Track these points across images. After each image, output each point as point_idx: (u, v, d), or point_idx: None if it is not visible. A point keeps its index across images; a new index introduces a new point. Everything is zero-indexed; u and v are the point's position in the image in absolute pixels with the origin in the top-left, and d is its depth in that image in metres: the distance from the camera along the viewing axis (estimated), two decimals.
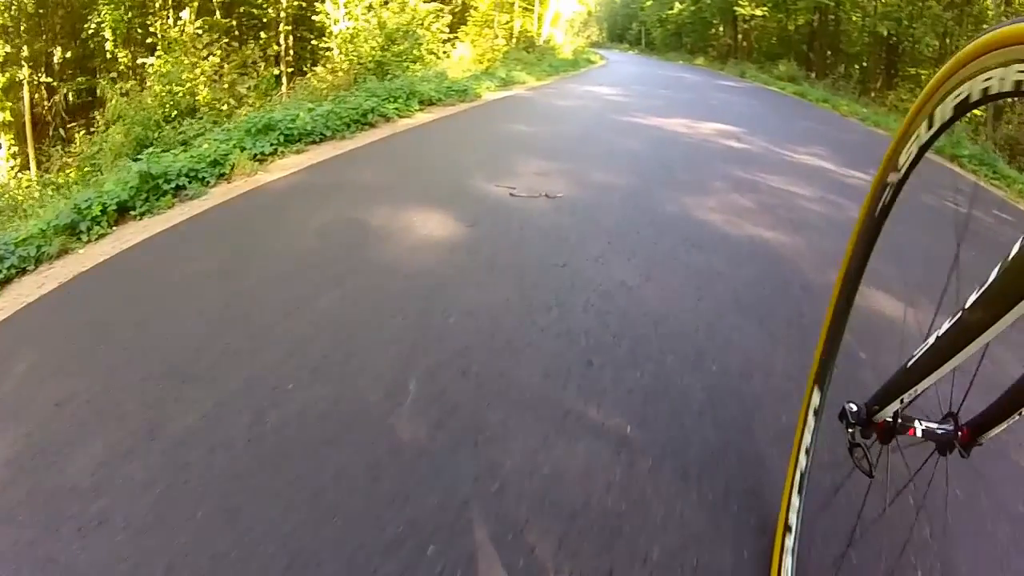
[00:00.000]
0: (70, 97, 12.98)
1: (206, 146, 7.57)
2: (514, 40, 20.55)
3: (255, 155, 7.62)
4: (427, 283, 3.20)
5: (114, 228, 5.95)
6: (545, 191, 4.80)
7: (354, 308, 2.96)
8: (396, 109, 10.16)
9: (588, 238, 3.84)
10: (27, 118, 9.73)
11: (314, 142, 8.61)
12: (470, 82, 12.77)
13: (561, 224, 4.11)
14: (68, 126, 10.88)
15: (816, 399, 1.33)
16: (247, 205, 5.78)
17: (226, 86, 10.44)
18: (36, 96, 12.21)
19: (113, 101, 9.36)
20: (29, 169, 9.26)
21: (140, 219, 6.08)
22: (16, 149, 10.08)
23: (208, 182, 6.90)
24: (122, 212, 6.09)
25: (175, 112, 9.66)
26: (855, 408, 1.08)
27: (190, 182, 6.77)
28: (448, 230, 4.11)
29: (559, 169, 5.73)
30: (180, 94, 9.65)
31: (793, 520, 1.29)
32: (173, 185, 6.59)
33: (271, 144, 7.91)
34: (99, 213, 5.83)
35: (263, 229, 4.66)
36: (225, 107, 9.99)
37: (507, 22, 20.55)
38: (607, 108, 11.23)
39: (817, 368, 1.34)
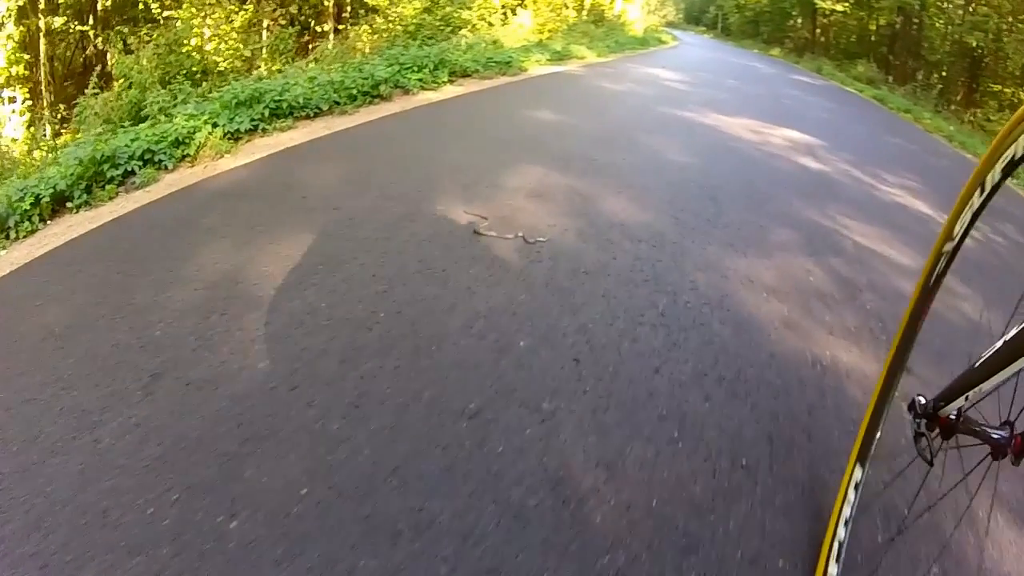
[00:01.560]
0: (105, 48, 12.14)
1: (179, 120, 6.43)
2: (584, 12, 18.87)
3: (230, 132, 6.44)
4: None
5: (48, 223, 4.97)
6: (524, 230, 3.28)
7: None
8: (420, 80, 8.66)
9: (545, 350, 2.31)
10: (42, 70, 8.91)
11: (308, 116, 7.33)
12: (518, 54, 11.20)
13: (515, 308, 2.59)
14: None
15: (858, 474, 1.39)
16: (160, 215, 4.56)
17: (231, 44, 9.27)
18: (67, 47, 11.45)
19: (115, 58, 8.38)
20: (44, 129, 8.45)
21: (76, 212, 5.06)
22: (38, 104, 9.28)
23: (165, 166, 5.78)
24: (62, 203, 5.09)
25: (181, 73, 8.58)
26: (923, 401, 1.19)
27: (144, 166, 5.68)
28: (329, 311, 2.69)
29: (565, 187, 4.18)
30: (185, 52, 8.59)
31: None
32: (122, 171, 5.52)
33: (252, 119, 6.67)
34: (30, 206, 4.84)
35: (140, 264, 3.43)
36: (223, 67, 8.80)
37: None
38: (662, 97, 9.19)
39: (860, 444, 1.42)
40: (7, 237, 4.66)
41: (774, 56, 23.21)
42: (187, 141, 6.07)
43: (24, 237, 4.71)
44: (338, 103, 7.62)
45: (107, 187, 5.28)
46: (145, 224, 4.42)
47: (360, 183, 4.45)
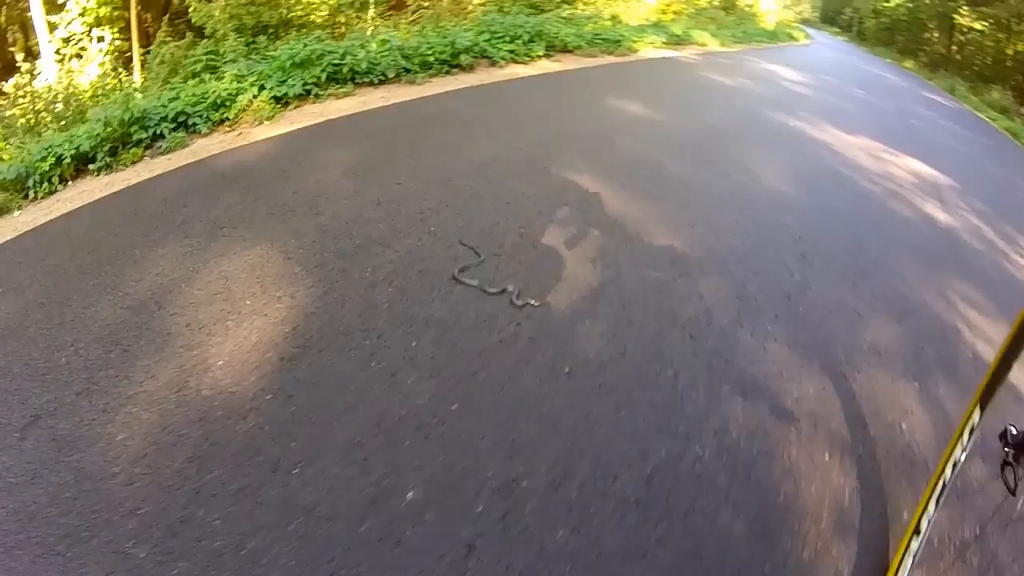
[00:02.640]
0: None
1: (226, 80, 6.08)
2: None
3: (278, 96, 5.99)
4: None
5: (69, 184, 4.82)
6: (523, 277, 2.43)
7: None
8: (511, 52, 7.79)
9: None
10: (132, 11, 8.95)
11: (371, 83, 6.74)
12: (631, 32, 10.18)
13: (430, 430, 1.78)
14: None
15: (976, 417, 1.41)
16: (155, 193, 4.15)
17: None
18: None
19: (192, 5, 8.24)
20: (131, 71, 8.53)
21: (96, 175, 4.86)
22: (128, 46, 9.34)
23: (198, 130, 5.44)
24: (88, 163, 4.90)
25: (256, 23, 8.26)
26: (1015, 431, 1.27)
27: (176, 129, 5.37)
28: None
29: (610, 214, 3.26)
30: (263, 2, 8.25)
31: (924, 525, 1.40)
32: (151, 133, 5.24)
33: (305, 83, 6.16)
34: (50, 167, 4.68)
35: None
36: (306, 19, 8.31)
37: None
38: (775, 100, 7.61)
39: (984, 388, 1.41)
40: (25, 197, 4.53)
41: (907, 68, 21.28)
42: (228, 104, 5.72)
43: (42, 198, 4.57)
44: (408, 71, 6.93)
45: (132, 150, 5.03)
46: (135, 203, 4.04)
47: (366, 177, 3.79)
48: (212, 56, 6.95)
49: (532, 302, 2.28)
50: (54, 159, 4.64)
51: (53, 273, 3.16)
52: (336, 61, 6.36)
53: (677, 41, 11.48)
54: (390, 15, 9.71)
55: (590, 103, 6.14)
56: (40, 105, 6.67)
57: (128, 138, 5.04)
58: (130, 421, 1.98)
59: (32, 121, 6.59)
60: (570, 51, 8.61)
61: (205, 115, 5.47)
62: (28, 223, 4.11)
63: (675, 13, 14.11)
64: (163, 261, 3.03)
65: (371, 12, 8.98)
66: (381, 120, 5.49)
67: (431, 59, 7.03)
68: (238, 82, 5.83)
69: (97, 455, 1.84)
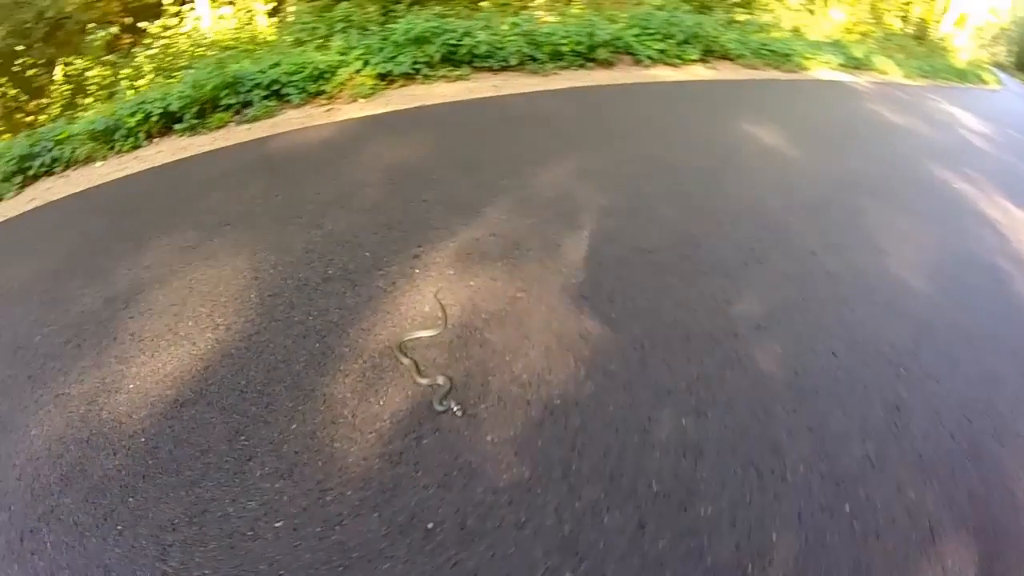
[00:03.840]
0: None
1: (332, 51, 6.49)
2: (907, 25, 18.08)
3: (383, 73, 6.28)
4: None
5: (153, 141, 5.54)
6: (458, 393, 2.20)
7: None
8: (660, 51, 7.39)
9: None
10: None
11: (490, 68, 6.79)
12: (804, 48, 9.35)
13: None
14: None
15: None
16: (206, 169, 4.57)
17: None
18: None
19: None
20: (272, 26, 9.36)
21: (181, 136, 5.54)
22: None
23: (290, 100, 5.89)
24: (177, 122, 5.61)
25: None
26: None
27: (268, 97, 5.87)
28: None
29: (645, 293, 2.85)
30: None
31: None
32: (241, 99, 5.80)
33: (415, 62, 6.38)
34: (137, 123, 5.43)
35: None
36: None
37: (906, 2, 18.78)
38: (944, 149, 6.35)
39: None
40: (111, 149, 5.29)
41: None
42: (328, 76, 6.12)
43: (125, 152, 5.29)
44: (534, 59, 6.86)
45: (218, 115, 5.60)
46: (182, 178, 4.45)
47: (397, 187, 3.70)
48: (344, 22, 7.47)
49: (455, 408, 2.09)
50: (143, 115, 5.30)
51: (80, 241, 3.62)
52: (453, 41, 6.45)
53: (855, 65, 10.47)
54: None
55: (723, 123, 5.50)
56: (177, 50, 7.71)
57: (218, 102, 5.64)
58: (44, 419, 2.21)
59: (166, 65, 7.65)
60: (730, 59, 7.94)
61: (301, 86, 5.85)
62: (103, 175, 4.79)
63: (861, 34, 13.53)
64: (158, 253, 3.26)
65: None
66: (474, 114, 5.45)
67: (564, 49, 6.87)
68: (342, 54, 6.20)
69: (8, 444, 2.13)
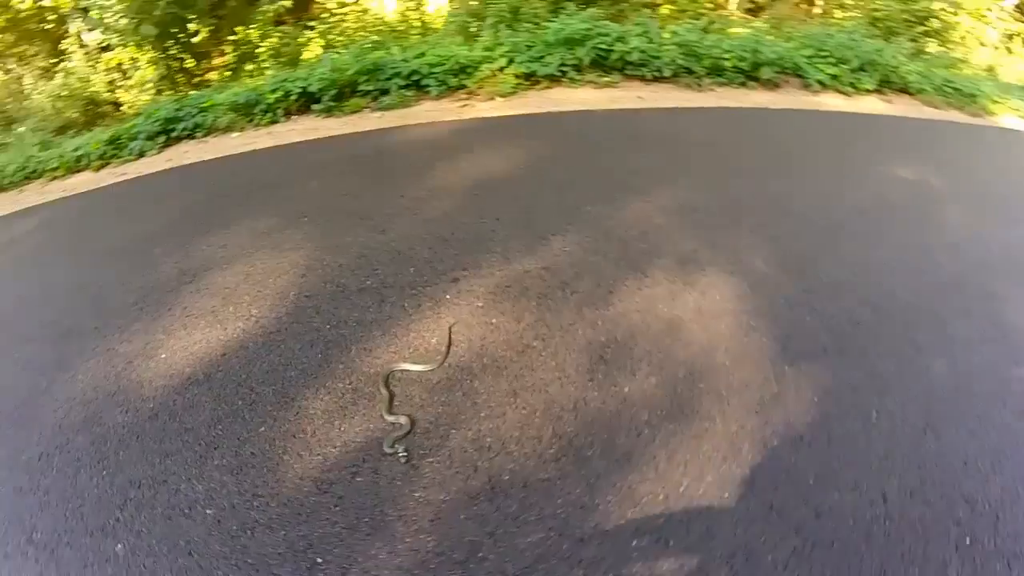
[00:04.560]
0: None
1: (478, 47, 6.86)
2: None
3: (528, 73, 6.53)
4: None
5: (291, 119, 6.31)
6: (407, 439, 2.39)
7: None
8: (832, 77, 6.95)
9: None
10: None
11: (641, 78, 6.78)
12: (993, 90, 8.09)
13: None
14: None
15: None
16: (311, 157, 5.15)
17: None
18: None
19: None
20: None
21: (318, 116, 6.24)
22: None
23: (428, 91, 6.36)
24: (315, 102, 6.34)
25: None
26: None
27: (405, 87, 6.38)
28: None
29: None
30: None
31: None
32: (378, 87, 6.36)
33: (563, 64, 6.56)
34: (276, 100, 6.22)
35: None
36: None
37: None
38: None
39: None
40: (249, 121, 6.14)
41: None
42: (469, 71, 6.50)
43: (264, 125, 6.14)
44: (690, 71, 6.77)
45: (354, 100, 6.24)
46: (297, 161, 5.15)
47: (476, 202, 3.98)
48: (511, 15, 7.84)
49: (401, 454, 2.24)
50: (283, 93, 6.13)
51: (182, 211, 4.37)
52: (604, 45, 6.57)
53: None
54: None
55: (880, 165, 4.94)
56: (347, 28, 8.63)
57: (356, 87, 6.27)
58: (91, 368, 2.85)
59: (333, 42, 8.59)
60: (909, 93, 7.42)
61: (441, 78, 6.35)
62: (233, 146, 5.63)
63: None
64: (237, 234, 3.88)
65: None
66: (603, 127, 5.46)
67: (726, 64, 6.69)
68: (487, 50, 6.56)
69: (59, 381, 2.77)
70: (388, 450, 2.21)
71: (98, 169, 5.81)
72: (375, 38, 8.09)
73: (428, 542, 1.89)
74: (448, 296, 3.09)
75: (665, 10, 8.57)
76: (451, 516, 1.96)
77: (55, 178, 6.06)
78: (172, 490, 2.15)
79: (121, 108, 9.38)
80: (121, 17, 8.61)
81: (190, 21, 9.01)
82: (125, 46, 9.17)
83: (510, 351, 2.67)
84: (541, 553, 1.82)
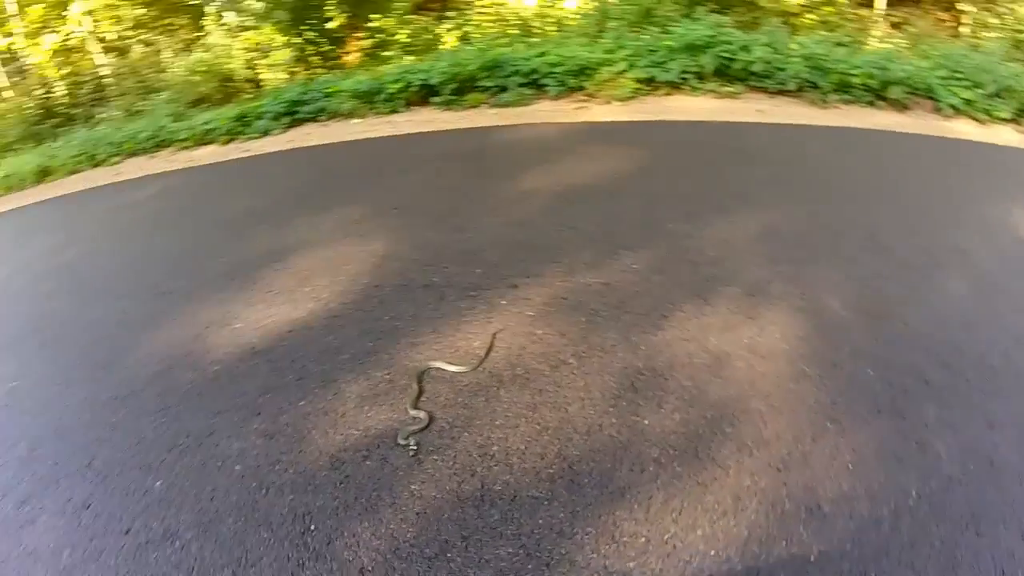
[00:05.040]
0: None
1: (597, 49, 6.90)
2: None
3: (648, 79, 6.51)
4: None
5: (410, 110, 6.72)
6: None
7: None
8: (965, 102, 6.33)
9: None
10: None
11: (764, 90, 6.55)
12: None
13: None
14: None
15: None
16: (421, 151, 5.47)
17: None
18: None
19: None
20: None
21: (437, 108, 6.61)
22: None
23: (547, 91, 6.51)
24: (435, 95, 6.72)
25: None
26: None
27: (524, 85, 6.56)
28: None
29: None
30: None
31: None
32: (498, 83, 6.59)
33: (684, 71, 6.47)
34: (397, 90, 6.65)
35: None
36: None
37: None
38: None
39: None
40: (371, 108, 6.61)
41: None
42: (589, 73, 6.58)
43: (384, 114, 6.60)
44: (815, 86, 6.45)
45: (473, 95, 6.52)
46: (399, 152, 5.55)
47: (557, 210, 4.06)
48: (632, 16, 7.84)
49: (412, 447, 2.42)
50: (404, 84, 6.54)
51: (291, 191, 4.85)
52: (727, 53, 6.42)
53: None
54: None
55: (1001, 210, 4.50)
56: (497, 20, 8.94)
57: (476, 82, 6.56)
58: (174, 328, 3.36)
59: (479, 33, 8.90)
60: None
61: (560, 78, 6.51)
62: (352, 132, 6.13)
63: None
64: (331, 219, 4.34)
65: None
66: (712, 139, 5.28)
67: (854, 80, 6.33)
68: (608, 52, 6.61)
69: (153, 337, 3.29)
70: (401, 441, 2.41)
71: (225, 143, 6.56)
72: (510, 32, 8.35)
73: (408, 532, 2.05)
74: (503, 302, 3.23)
75: (806, 20, 8.15)
76: (436, 513, 2.11)
77: (184, 148, 6.87)
78: (213, 444, 2.51)
79: (258, 86, 10.15)
80: (257, 1, 9.38)
81: (323, 8, 9.71)
82: (258, 29, 9.99)
83: (544, 365, 2.76)
84: (504, 568, 1.90)
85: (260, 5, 9.49)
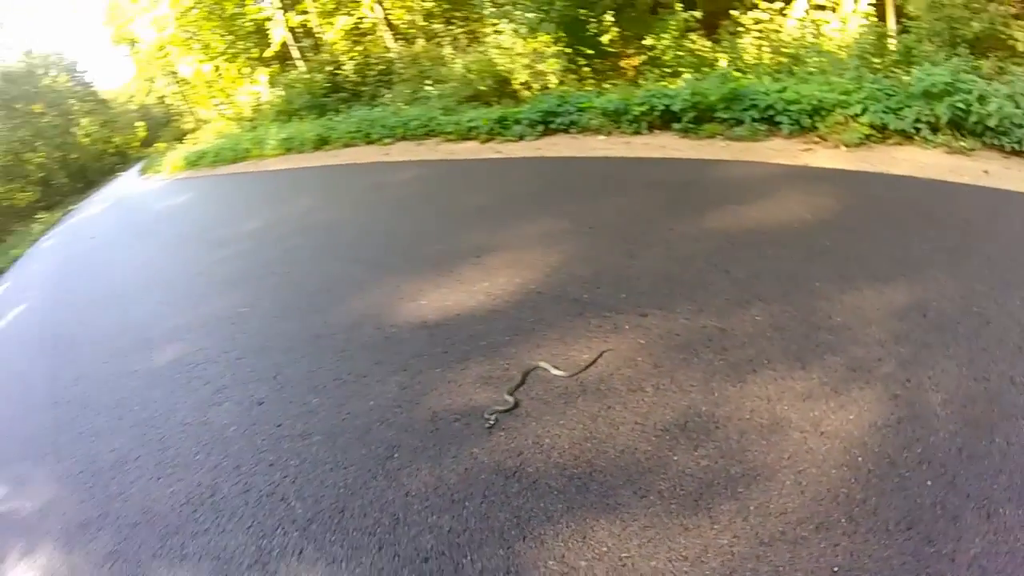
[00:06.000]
0: None
1: (828, 88, 6.54)
2: None
3: (881, 126, 6.11)
4: None
5: (652, 133, 7.21)
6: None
7: None
8: None
9: None
10: None
11: (1001, 148, 5.33)
12: None
13: None
14: None
15: None
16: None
17: None
18: None
19: None
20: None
21: (678, 135, 6.95)
22: None
23: (780, 128, 6.40)
24: (673, 121, 7.13)
25: (953, 35, 7.21)
26: None
27: (759, 120, 6.53)
28: None
29: None
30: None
31: None
32: (735, 115, 6.70)
33: (917, 120, 5.72)
34: (640, 113, 7.18)
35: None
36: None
37: None
38: None
39: None
40: (616, 127, 7.26)
41: None
42: (824, 114, 6.37)
43: (628, 134, 7.23)
44: None
45: (711, 125, 6.79)
46: (627, 171, 6.14)
47: (723, 253, 4.21)
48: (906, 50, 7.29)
49: (492, 421, 3.01)
50: (648, 107, 7.06)
51: (514, 197, 5.77)
52: (963, 104, 5.66)
53: None
54: None
55: None
56: (780, 45, 8.87)
57: (713, 112, 6.84)
58: (368, 299, 4.59)
59: (766, 59, 8.83)
60: None
61: (795, 117, 6.44)
62: (592, 148, 6.86)
63: None
64: (530, 230, 5.13)
65: None
66: (917, 199, 4.78)
67: None
68: (844, 93, 6.29)
69: (342, 312, 4.46)
70: (487, 415, 3.07)
71: (483, 142, 7.73)
72: (781, 59, 8.28)
73: (451, 479, 2.72)
74: (627, 327, 3.61)
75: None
76: (476, 474, 2.73)
77: (447, 140, 8.12)
78: (364, 383, 3.54)
79: (529, 90, 10.67)
80: (527, 11, 10.06)
81: (593, 23, 10.21)
82: (526, 39, 10.51)
83: (624, 387, 3.12)
84: (498, 528, 2.46)
85: (532, 15, 10.02)
